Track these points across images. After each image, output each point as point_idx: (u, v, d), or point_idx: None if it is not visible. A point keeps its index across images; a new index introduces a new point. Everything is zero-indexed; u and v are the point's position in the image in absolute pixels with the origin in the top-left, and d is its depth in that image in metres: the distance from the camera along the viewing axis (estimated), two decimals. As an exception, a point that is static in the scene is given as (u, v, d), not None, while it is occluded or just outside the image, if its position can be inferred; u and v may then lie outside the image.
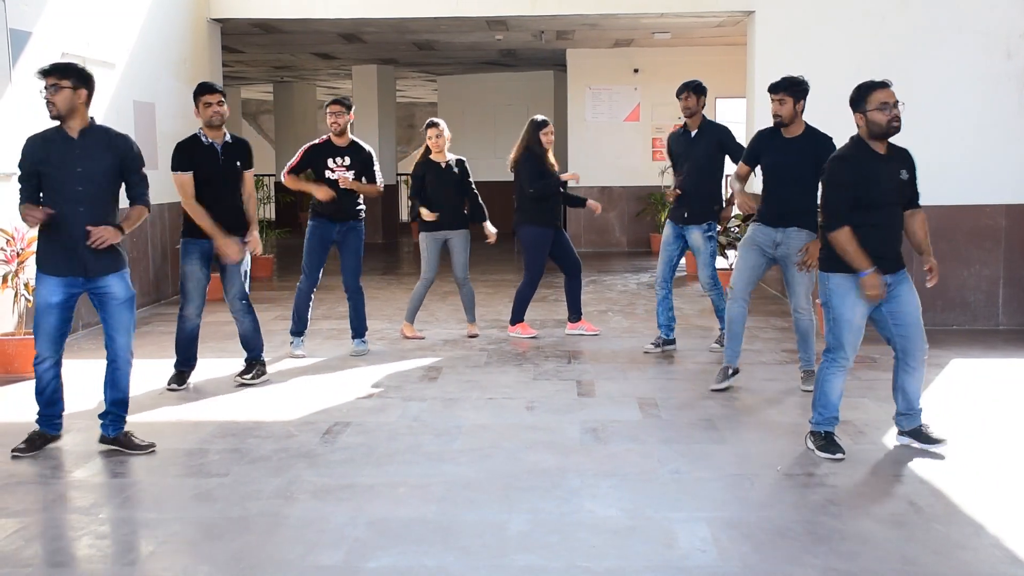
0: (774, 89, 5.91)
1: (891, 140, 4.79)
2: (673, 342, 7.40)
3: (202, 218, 6.08)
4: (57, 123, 4.90)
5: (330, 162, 7.15)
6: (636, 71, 14.78)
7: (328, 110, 7.14)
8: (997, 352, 7.42)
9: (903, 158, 4.84)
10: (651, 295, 10.23)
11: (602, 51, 14.72)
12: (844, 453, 4.82)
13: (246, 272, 6.40)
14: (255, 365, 6.49)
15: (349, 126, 7.23)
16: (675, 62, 14.22)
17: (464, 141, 17.97)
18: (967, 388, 6.34)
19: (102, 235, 4.80)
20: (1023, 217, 8.32)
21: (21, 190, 4.91)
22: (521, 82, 17.91)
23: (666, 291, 7.33)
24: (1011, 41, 8.36)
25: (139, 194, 5.05)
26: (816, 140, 5.95)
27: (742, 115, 10.85)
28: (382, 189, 7.53)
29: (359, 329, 7.37)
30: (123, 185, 5.03)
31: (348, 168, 7.12)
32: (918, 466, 4.71)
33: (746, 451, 4.97)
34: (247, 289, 6.40)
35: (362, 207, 7.31)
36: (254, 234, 6.33)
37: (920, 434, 4.95)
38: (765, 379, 6.49)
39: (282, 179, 7.32)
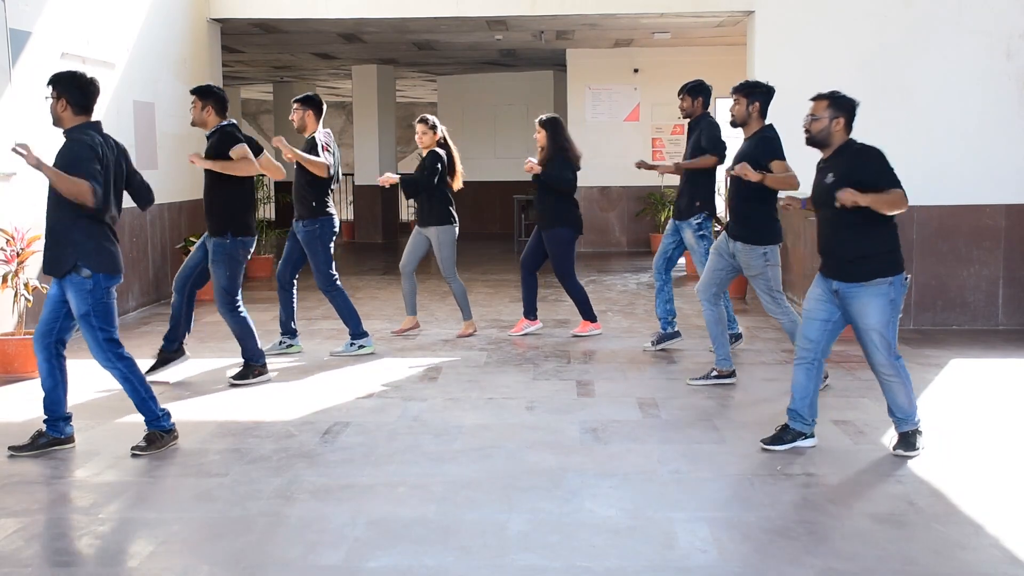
0: (732, 90, 6.09)
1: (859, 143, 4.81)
2: (677, 335, 7.41)
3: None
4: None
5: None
6: (636, 71, 14.78)
7: (294, 108, 7.18)
8: (997, 352, 7.42)
9: (839, 161, 4.74)
10: (651, 295, 10.23)
11: (602, 51, 14.71)
12: (776, 445, 4.90)
13: (227, 277, 6.32)
14: (252, 368, 6.47)
15: (316, 123, 7.16)
16: (675, 62, 14.21)
17: (464, 141, 17.98)
18: (967, 388, 6.34)
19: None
20: (1023, 217, 8.32)
21: None
22: (521, 82, 17.90)
23: (661, 282, 7.36)
24: (1011, 41, 8.36)
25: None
26: (756, 141, 5.99)
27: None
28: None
29: (351, 330, 7.33)
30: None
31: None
32: (918, 466, 4.70)
33: (746, 451, 4.97)
34: (232, 295, 6.35)
35: (310, 207, 7.07)
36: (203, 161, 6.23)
37: (900, 440, 4.88)
38: (765, 379, 6.49)
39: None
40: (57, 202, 4.83)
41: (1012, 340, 7.85)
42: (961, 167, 8.32)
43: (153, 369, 6.47)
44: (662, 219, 14.32)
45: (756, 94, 5.98)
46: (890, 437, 5.01)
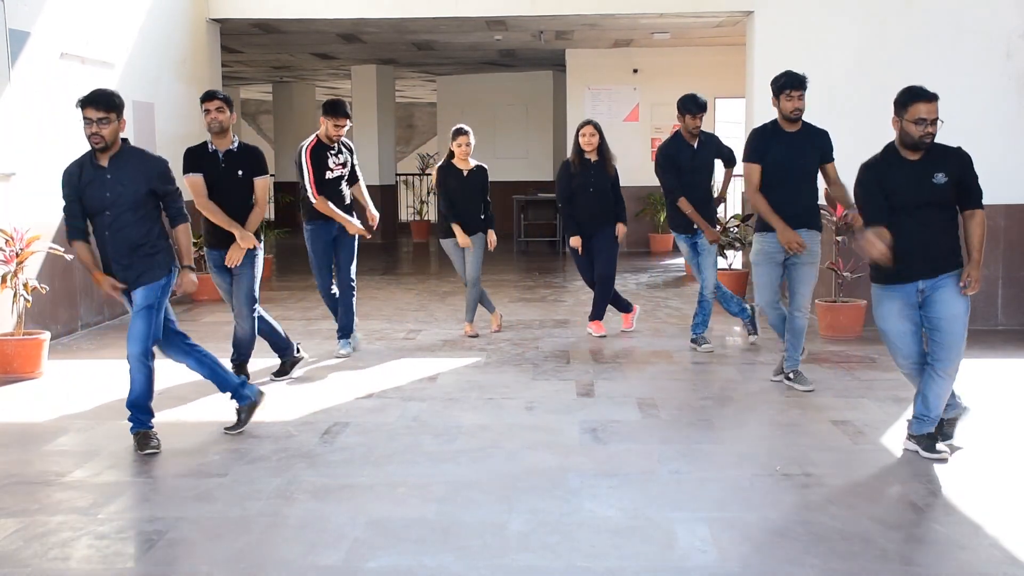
0: (800, 84, 5.90)
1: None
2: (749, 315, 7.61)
3: (217, 215, 6.06)
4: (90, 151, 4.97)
5: (330, 161, 7.12)
6: (635, 71, 14.79)
7: (333, 122, 6.98)
8: (997, 352, 7.42)
9: (942, 161, 4.69)
10: (651, 295, 10.24)
11: (601, 51, 14.72)
12: (941, 454, 4.74)
13: (254, 277, 6.28)
14: (289, 361, 6.63)
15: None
16: (675, 62, 14.22)
17: (464, 141, 17.99)
18: (967, 388, 6.32)
19: (182, 286, 5.07)
20: (1023, 217, 8.32)
21: (66, 219, 5.05)
22: (520, 82, 17.91)
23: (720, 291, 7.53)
24: (1011, 41, 8.36)
25: (175, 213, 5.13)
26: (815, 133, 6.04)
27: (741, 115, 10.85)
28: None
29: (347, 328, 7.36)
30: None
31: (343, 165, 7.15)
32: (918, 466, 4.70)
33: (746, 451, 4.97)
34: (255, 295, 6.30)
35: (350, 205, 7.33)
36: (242, 238, 6.06)
37: (928, 441, 4.80)
38: (765, 379, 6.48)
39: (313, 200, 7.02)
40: (145, 217, 4.99)
41: (1012, 340, 7.85)
42: (961, 167, 8.30)
43: (280, 375, 6.65)
44: (661, 219, 14.32)
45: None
46: (892, 436, 5.00)
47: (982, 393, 6.24)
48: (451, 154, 7.85)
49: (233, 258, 6.07)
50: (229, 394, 5.32)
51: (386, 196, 16.88)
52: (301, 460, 4.83)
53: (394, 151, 17.98)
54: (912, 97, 4.65)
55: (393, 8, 10.54)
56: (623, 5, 10.50)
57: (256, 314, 6.37)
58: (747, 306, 7.60)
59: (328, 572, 3.59)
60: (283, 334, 6.61)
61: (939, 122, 4.63)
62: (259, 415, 5.64)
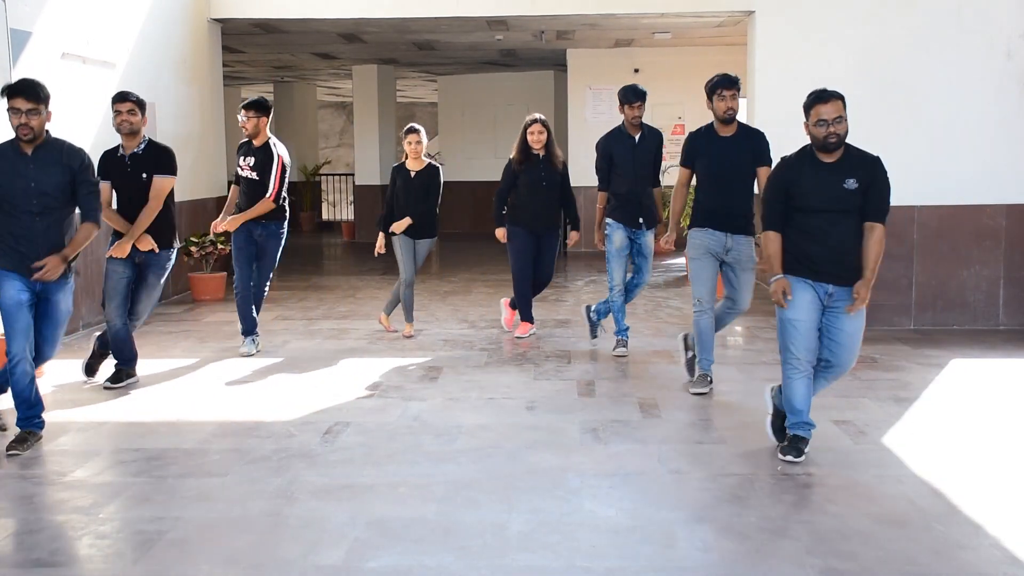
0: (730, 84, 5.89)
1: (856, 146, 4.71)
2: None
3: (113, 220, 6.14)
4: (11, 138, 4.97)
5: (240, 160, 7.21)
6: (636, 71, 14.78)
7: (243, 114, 7.12)
8: (997, 352, 7.42)
9: (857, 167, 4.64)
10: (650, 295, 10.23)
11: (602, 51, 14.72)
12: (800, 457, 4.71)
13: (160, 287, 6.33)
14: (125, 372, 6.33)
15: (267, 128, 7.21)
16: (676, 62, 14.22)
17: (464, 141, 17.97)
18: (967, 388, 6.34)
19: (47, 271, 4.89)
20: (1023, 217, 8.32)
21: None
22: (521, 82, 17.91)
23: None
24: (1011, 41, 8.36)
25: (88, 210, 5.07)
26: (751, 135, 6.02)
27: (742, 115, 10.83)
28: (270, 203, 7.08)
29: (251, 329, 7.27)
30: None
31: (252, 168, 7.13)
32: (918, 466, 4.71)
33: (746, 451, 4.97)
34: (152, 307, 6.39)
35: (284, 210, 7.26)
36: (128, 239, 6.04)
37: (787, 439, 4.81)
38: (765, 379, 6.46)
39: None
40: (69, 209, 5.04)
41: (1012, 340, 7.85)
42: (961, 167, 8.31)
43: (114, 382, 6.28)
44: (665, 217, 14.29)
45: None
46: (892, 436, 5.01)
47: (982, 393, 6.25)
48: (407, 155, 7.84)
49: (119, 250, 6.04)
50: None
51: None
52: (301, 460, 4.83)
53: (395, 151, 17.97)
54: (813, 100, 4.64)
55: (394, 8, 10.54)
56: (624, 5, 10.50)
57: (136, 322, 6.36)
58: (602, 326, 7.56)
59: (328, 572, 3.59)
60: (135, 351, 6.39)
61: (842, 120, 4.58)
62: (260, 415, 5.66)
